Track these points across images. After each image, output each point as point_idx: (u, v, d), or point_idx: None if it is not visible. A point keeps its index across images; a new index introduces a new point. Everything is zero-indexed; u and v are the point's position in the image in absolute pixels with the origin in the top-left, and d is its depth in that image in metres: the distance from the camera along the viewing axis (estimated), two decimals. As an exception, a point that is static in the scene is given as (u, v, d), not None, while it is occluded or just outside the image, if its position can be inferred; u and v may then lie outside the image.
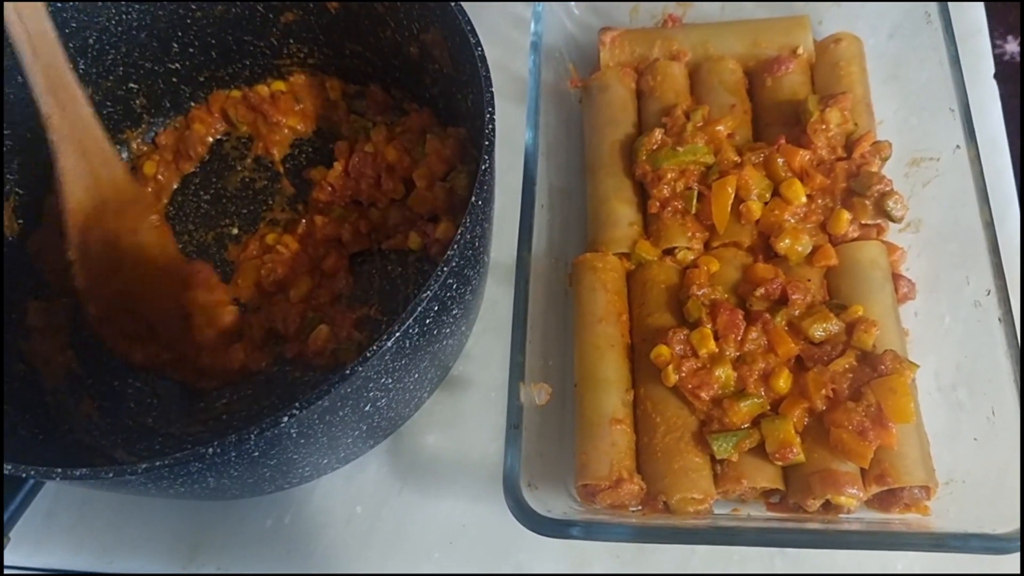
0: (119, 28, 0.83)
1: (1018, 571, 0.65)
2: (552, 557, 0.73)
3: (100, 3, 0.81)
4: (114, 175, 0.81)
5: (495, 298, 0.82)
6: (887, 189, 0.70)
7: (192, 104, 0.92)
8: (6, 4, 0.71)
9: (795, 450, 0.63)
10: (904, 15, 0.79)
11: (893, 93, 0.80)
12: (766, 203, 0.73)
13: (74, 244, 0.79)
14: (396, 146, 0.81)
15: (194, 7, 0.85)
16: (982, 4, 0.91)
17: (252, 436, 0.53)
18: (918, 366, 0.65)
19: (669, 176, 0.74)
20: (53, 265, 0.84)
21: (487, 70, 0.65)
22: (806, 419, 0.65)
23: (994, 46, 0.91)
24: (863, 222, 0.72)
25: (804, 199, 0.72)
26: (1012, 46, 1.03)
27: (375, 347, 0.55)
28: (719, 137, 0.75)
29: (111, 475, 0.55)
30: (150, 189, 0.90)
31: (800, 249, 0.71)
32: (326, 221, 0.83)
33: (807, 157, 0.73)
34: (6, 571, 0.78)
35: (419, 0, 0.74)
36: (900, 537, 0.60)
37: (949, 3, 0.76)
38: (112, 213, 0.80)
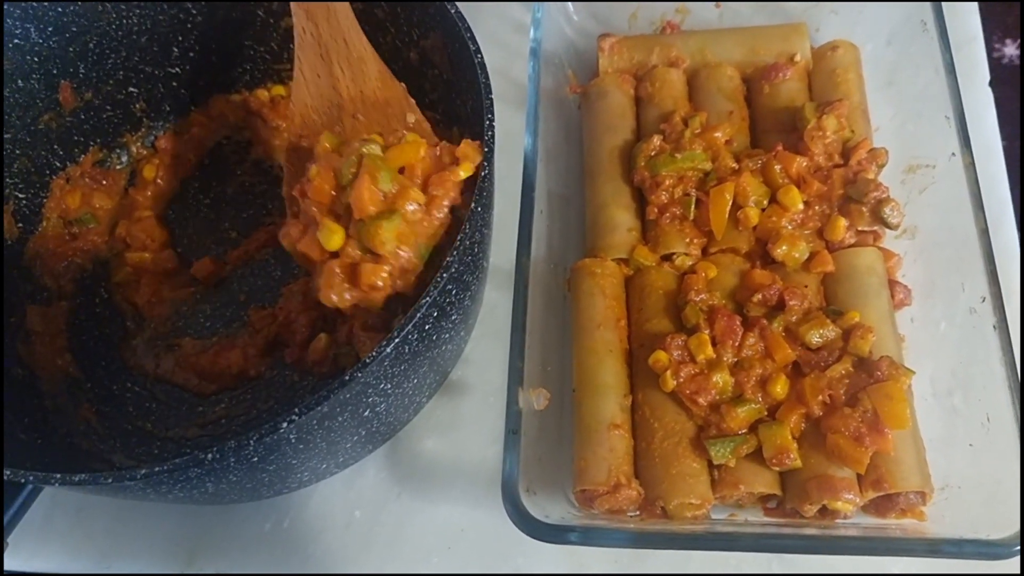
0: (120, 32, 0.83)
1: (1018, 572, 0.66)
2: (550, 562, 0.73)
3: (101, 7, 0.81)
4: (359, 75, 0.73)
5: (494, 303, 0.82)
6: (883, 196, 0.71)
7: (192, 108, 0.93)
8: None
9: (792, 455, 0.64)
10: (900, 23, 0.80)
11: (889, 100, 0.80)
12: (763, 209, 0.73)
13: (286, 148, 0.74)
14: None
15: (195, 11, 0.85)
16: (977, 12, 0.92)
17: (251, 442, 0.53)
18: (914, 372, 0.65)
19: (667, 182, 0.75)
20: (52, 269, 0.84)
21: (487, 76, 0.65)
22: (803, 425, 0.65)
23: (992, 49, 0.91)
24: (860, 228, 0.72)
25: (801, 205, 0.72)
26: (1011, 49, 1.03)
27: (374, 352, 0.55)
28: (717, 143, 0.76)
29: (110, 480, 0.55)
30: (149, 193, 0.90)
31: (797, 255, 0.72)
32: None
33: (804, 164, 0.73)
34: (5, 575, 0.77)
35: (419, 0, 0.74)
36: (896, 542, 0.60)
37: (945, 11, 0.76)
38: (349, 116, 0.73)
